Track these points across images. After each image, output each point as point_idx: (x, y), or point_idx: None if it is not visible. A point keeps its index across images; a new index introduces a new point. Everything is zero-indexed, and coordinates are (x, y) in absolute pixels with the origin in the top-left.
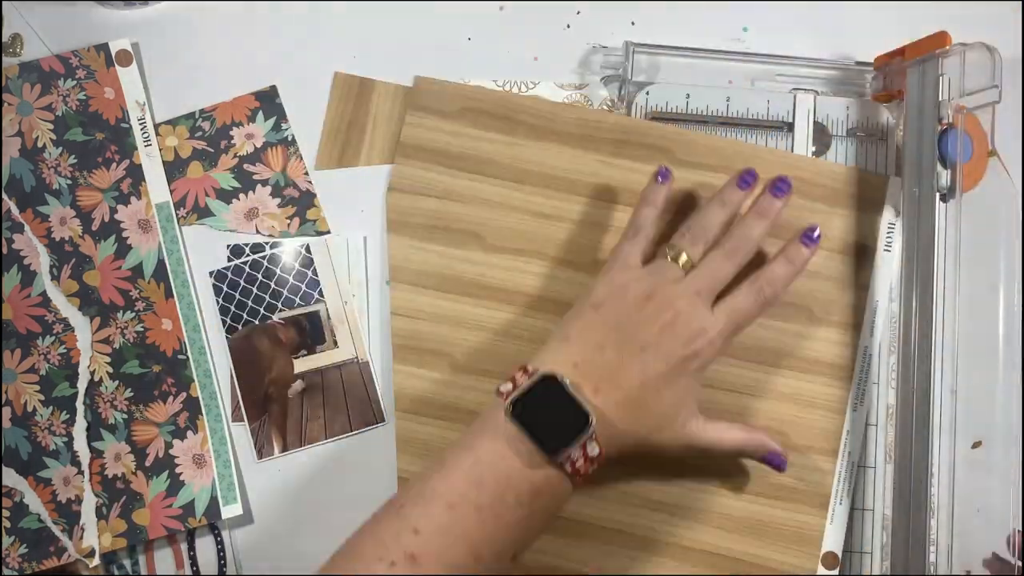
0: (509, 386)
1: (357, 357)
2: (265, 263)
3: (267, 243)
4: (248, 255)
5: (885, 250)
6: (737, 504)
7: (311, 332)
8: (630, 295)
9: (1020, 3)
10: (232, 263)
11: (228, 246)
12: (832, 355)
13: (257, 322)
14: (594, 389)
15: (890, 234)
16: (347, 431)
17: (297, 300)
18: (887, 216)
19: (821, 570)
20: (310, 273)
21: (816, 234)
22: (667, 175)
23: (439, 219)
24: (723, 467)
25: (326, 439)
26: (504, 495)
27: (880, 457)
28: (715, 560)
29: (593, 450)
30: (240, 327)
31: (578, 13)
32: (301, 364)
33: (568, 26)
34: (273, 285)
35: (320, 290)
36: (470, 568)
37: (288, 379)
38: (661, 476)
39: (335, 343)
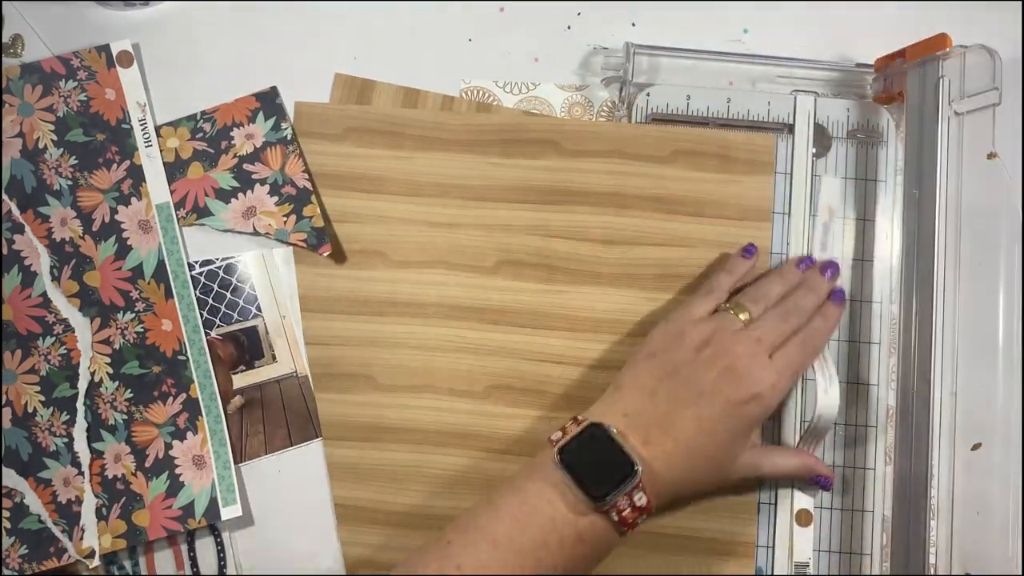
0: (559, 434)
1: (296, 371)
2: (202, 280)
3: (218, 258)
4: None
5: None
6: None
7: (249, 347)
8: (687, 341)
9: (1020, 4)
10: None
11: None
12: None
13: None
14: (643, 440)
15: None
16: (287, 446)
17: (235, 315)
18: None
19: (796, 529)
20: (247, 288)
21: (839, 286)
22: (753, 252)
23: (340, 243)
24: None
25: (266, 454)
26: (548, 539)
27: (880, 459)
28: (656, 539)
29: (640, 500)
30: None
31: (579, 14)
32: (240, 380)
33: (569, 27)
34: (211, 301)
35: (258, 305)
36: None
37: (227, 395)
38: None
39: (274, 358)
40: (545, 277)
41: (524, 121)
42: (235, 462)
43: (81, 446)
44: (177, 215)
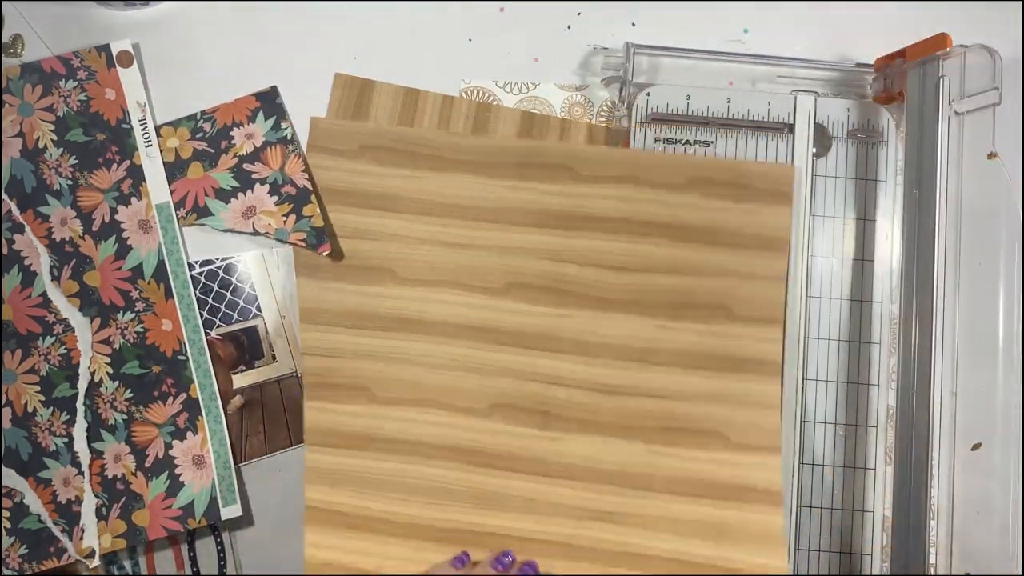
0: None
1: (296, 371)
2: (202, 280)
3: (218, 258)
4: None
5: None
6: (685, 508)
7: (249, 347)
8: None
9: (1020, 4)
10: None
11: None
12: (758, 351)
13: None
14: None
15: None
16: (287, 446)
17: (235, 315)
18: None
19: None
20: (247, 288)
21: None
22: (465, 561)
23: (350, 258)
24: (667, 473)
25: (266, 454)
26: None
27: (880, 459)
28: (674, 566)
29: None
30: None
31: (579, 14)
32: (240, 380)
33: (569, 27)
34: (211, 301)
35: (258, 305)
36: None
37: (227, 395)
38: (600, 485)
39: (273, 358)
40: (555, 301)
41: (540, 146)
42: (235, 462)
43: (81, 446)
44: (177, 215)
